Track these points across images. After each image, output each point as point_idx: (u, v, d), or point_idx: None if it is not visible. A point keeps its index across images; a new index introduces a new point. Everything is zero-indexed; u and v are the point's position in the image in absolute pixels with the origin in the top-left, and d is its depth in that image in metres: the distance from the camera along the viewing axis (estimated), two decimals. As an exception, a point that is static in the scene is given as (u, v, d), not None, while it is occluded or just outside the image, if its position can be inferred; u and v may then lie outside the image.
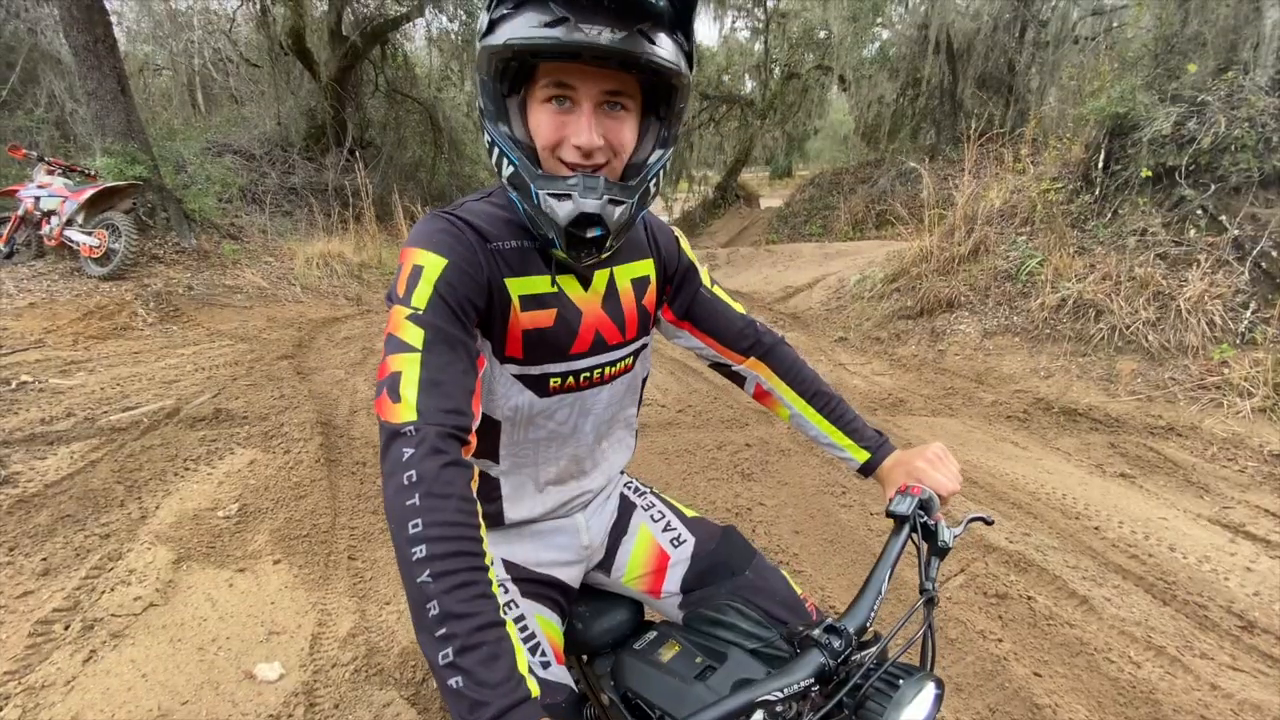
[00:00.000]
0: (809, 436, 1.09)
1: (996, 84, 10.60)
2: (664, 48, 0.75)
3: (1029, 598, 2.30)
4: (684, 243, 1.09)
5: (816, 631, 0.72)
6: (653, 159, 0.84)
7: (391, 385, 0.74)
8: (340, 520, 2.82)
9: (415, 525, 0.65)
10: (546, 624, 1.00)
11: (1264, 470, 3.09)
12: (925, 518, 0.86)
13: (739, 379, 1.13)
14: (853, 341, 5.63)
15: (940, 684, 0.67)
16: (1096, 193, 4.92)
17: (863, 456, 1.04)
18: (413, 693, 1.89)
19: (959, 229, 5.68)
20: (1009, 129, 7.93)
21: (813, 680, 0.67)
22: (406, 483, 0.67)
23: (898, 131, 12.26)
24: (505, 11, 0.74)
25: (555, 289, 0.90)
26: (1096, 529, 2.71)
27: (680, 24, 0.77)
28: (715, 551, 1.08)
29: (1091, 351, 4.32)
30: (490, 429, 0.94)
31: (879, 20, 12.46)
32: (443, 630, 0.60)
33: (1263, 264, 3.92)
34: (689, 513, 1.16)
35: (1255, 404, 3.45)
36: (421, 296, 0.78)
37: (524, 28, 0.72)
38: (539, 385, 0.93)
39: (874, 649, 0.73)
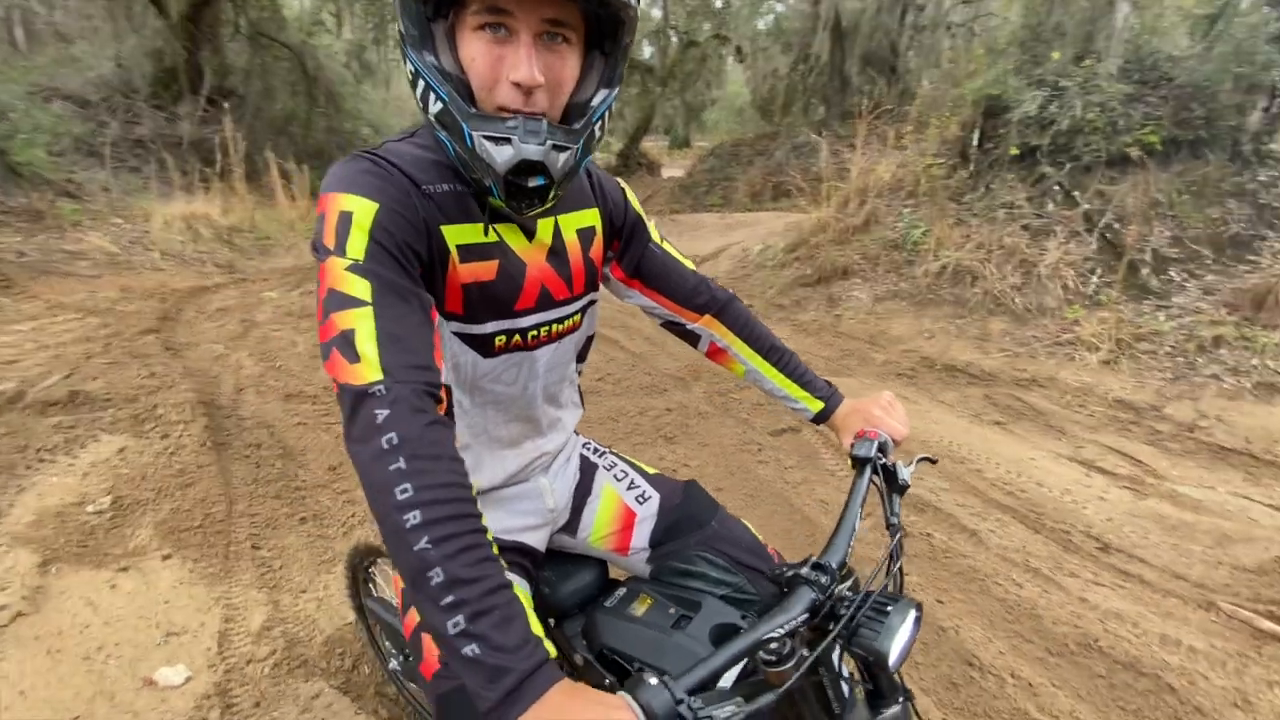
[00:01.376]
0: (764, 389, 1.11)
1: (880, 63, 11.22)
2: None
3: (928, 534, 2.53)
4: (630, 195, 1.05)
5: (804, 569, 0.74)
6: (597, 99, 0.77)
7: (344, 343, 0.66)
8: (237, 508, 2.57)
9: (404, 490, 0.59)
10: (518, 590, 0.97)
11: (1108, 414, 3.58)
12: (884, 459, 0.92)
13: (693, 337, 1.12)
14: (758, 308, 5.85)
15: (920, 607, 0.72)
16: (972, 169, 5.37)
17: (817, 406, 1.07)
18: (343, 681, 1.79)
19: (852, 201, 6.01)
20: (892, 107, 8.45)
21: (806, 615, 0.69)
22: (387, 446, 0.61)
23: (791, 105, 12.69)
24: None
25: (496, 239, 0.83)
26: (979, 471, 3.03)
27: None
28: (681, 505, 1.08)
29: (968, 314, 4.77)
30: None
31: (773, -7, 12.72)
32: (450, 598, 0.56)
33: (1107, 235, 4.48)
34: (649, 470, 1.16)
35: (1101, 357, 3.97)
36: (357, 245, 0.69)
37: None
38: (484, 345, 0.87)
39: (859, 581, 0.77)
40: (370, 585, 1.62)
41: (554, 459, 1.06)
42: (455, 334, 0.85)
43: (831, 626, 0.70)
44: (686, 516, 1.07)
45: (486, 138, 0.71)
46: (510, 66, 0.70)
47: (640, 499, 1.09)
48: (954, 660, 1.89)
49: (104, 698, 1.66)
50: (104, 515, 2.37)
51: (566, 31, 0.73)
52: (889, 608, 0.71)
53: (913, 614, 0.71)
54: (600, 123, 0.78)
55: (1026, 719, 1.69)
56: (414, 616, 0.88)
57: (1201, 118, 4.43)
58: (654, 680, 0.56)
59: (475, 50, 0.71)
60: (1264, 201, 4.32)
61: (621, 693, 0.55)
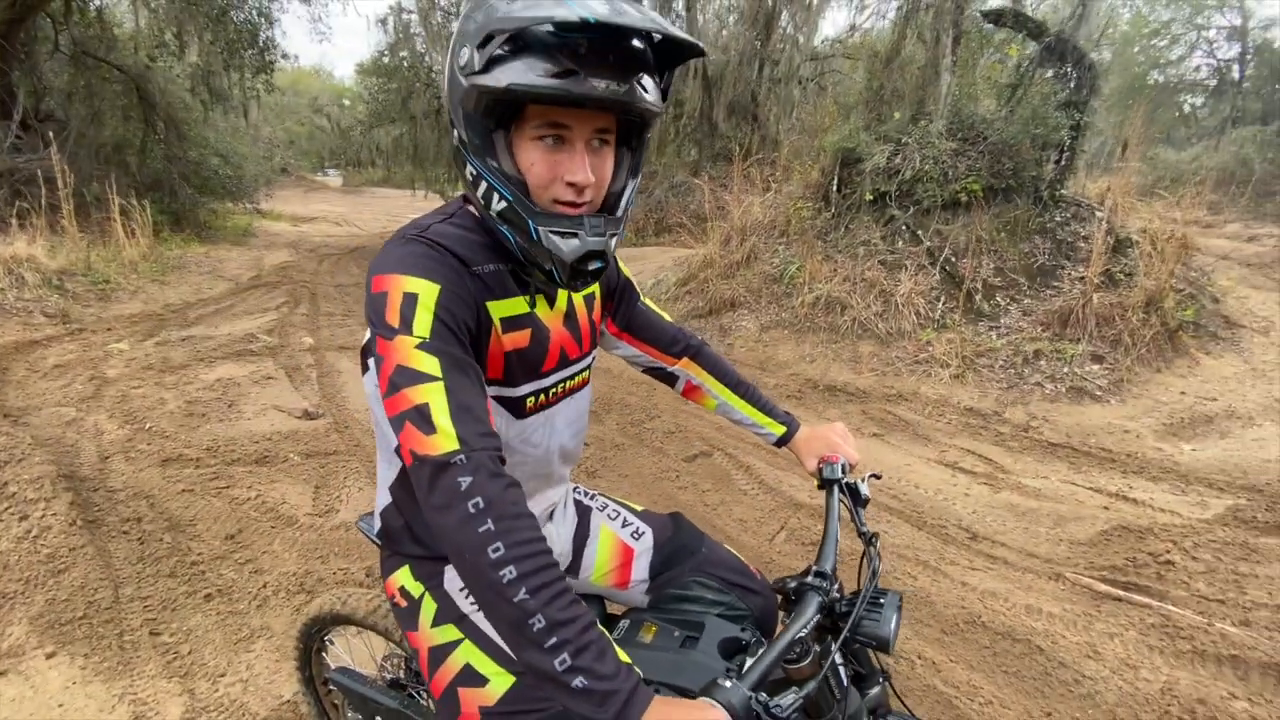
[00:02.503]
0: (732, 419, 1.26)
1: (743, 111, 12.23)
2: (651, 92, 0.80)
3: (835, 543, 2.82)
4: (620, 262, 1.18)
5: (809, 579, 0.89)
6: (628, 188, 0.89)
7: (418, 417, 0.73)
8: (125, 592, 2.31)
9: (496, 550, 0.66)
10: None
11: (962, 420, 4.17)
12: (847, 479, 1.11)
13: (671, 378, 1.27)
14: (655, 340, 6.12)
15: (901, 597, 0.90)
16: (833, 211, 6.05)
17: (780, 430, 1.23)
18: (288, 762, 1.68)
19: (734, 239, 6.51)
20: (756, 152, 9.26)
21: (819, 616, 0.84)
22: (474, 510, 0.68)
23: (666, 147, 13.42)
24: (502, 53, 0.74)
25: (529, 310, 0.94)
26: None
27: (662, 68, 0.84)
28: (674, 537, 1.20)
29: (840, 339, 5.33)
30: None
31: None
32: (553, 640, 0.64)
33: (947, 267, 5.24)
34: (636, 506, 1.27)
35: (951, 372, 4.62)
36: (424, 324, 0.77)
37: (529, 75, 0.73)
38: (517, 407, 0.96)
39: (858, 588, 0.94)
40: (324, 655, 1.56)
41: (557, 507, 1.15)
42: (494, 398, 0.93)
43: (839, 624, 0.85)
44: (680, 547, 1.19)
45: (554, 233, 0.81)
46: (568, 170, 0.81)
47: (635, 535, 1.20)
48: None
49: (-3, 828, 1.45)
50: (-41, 617, 2.04)
51: (607, 135, 0.84)
52: (882, 600, 0.87)
53: (898, 604, 0.89)
54: (630, 207, 0.91)
55: (936, 693, 1.96)
56: (447, 672, 0.93)
57: (1010, 169, 5.36)
58: (727, 682, 0.68)
59: (534, 157, 0.81)
60: (1060, 238, 5.28)
61: (701, 698, 0.66)
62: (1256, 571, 2.44)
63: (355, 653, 1.55)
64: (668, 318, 1.27)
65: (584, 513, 1.22)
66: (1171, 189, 6.14)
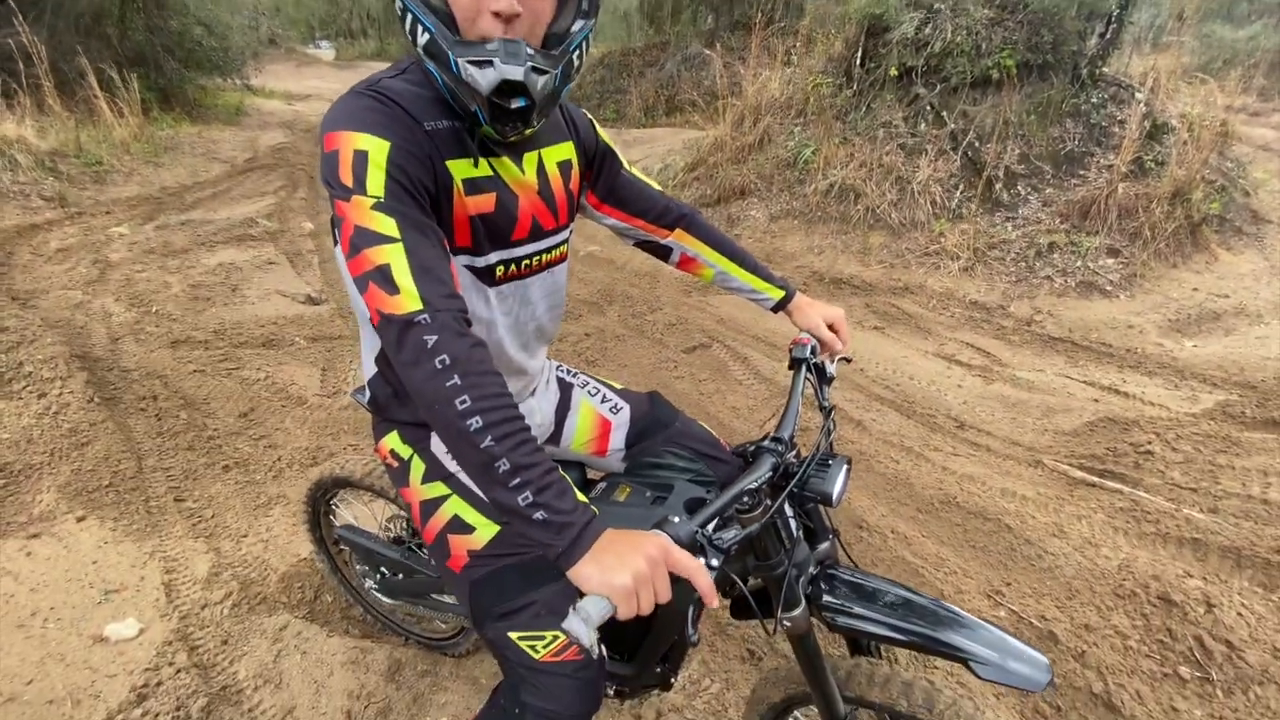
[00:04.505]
0: (730, 287, 1.26)
1: (766, -28, 11.08)
2: None
3: (824, 429, 2.91)
4: (597, 125, 1.13)
5: (766, 442, 0.96)
6: (575, 28, 0.83)
7: (380, 278, 0.73)
8: (148, 463, 2.46)
9: (463, 401, 0.69)
10: None
11: (965, 314, 4.13)
12: (815, 359, 1.14)
13: (665, 251, 1.25)
14: (660, 229, 5.98)
15: (850, 461, 0.95)
16: (855, 88, 5.64)
17: (778, 294, 1.23)
18: (307, 611, 1.87)
19: (748, 119, 6.15)
20: (779, 19, 8.49)
21: (770, 474, 0.90)
22: (440, 366, 0.70)
23: (679, 13, 12.34)
24: None
25: (491, 172, 0.90)
26: (862, 370, 3.45)
27: None
28: (649, 412, 1.26)
29: (851, 230, 5.17)
30: None
31: (657, -113, 11.99)
32: (517, 480, 0.69)
33: (969, 153, 4.96)
34: (616, 385, 1.32)
35: (961, 265, 4.52)
36: (377, 183, 0.76)
37: None
38: (486, 275, 0.96)
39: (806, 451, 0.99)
40: (332, 518, 1.68)
41: (537, 381, 1.19)
42: (464, 266, 0.93)
43: (786, 482, 0.91)
44: (654, 420, 1.24)
45: (470, 62, 0.76)
46: None
47: (613, 409, 1.25)
48: (847, 524, 2.26)
49: (54, 659, 1.64)
50: (-7, 483, 2.19)
51: None
52: (829, 462, 0.93)
53: (845, 466, 0.95)
54: (578, 51, 0.84)
55: (904, 562, 2.10)
56: (438, 522, 1.02)
57: (1050, 42, 4.90)
58: (677, 518, 0.74)
59: None
60: (1094, 121, 4.94)
61: (654, 530, 0.71)
62: (1234, 464, 2.51)
63: (360, 518, 1.66)
64: (656, 186, 1.23)
65: (565, 388, 1.26)
66: (1223, 70, 5.65)
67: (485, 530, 1.00)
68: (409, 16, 0.77)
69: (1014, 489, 2.45)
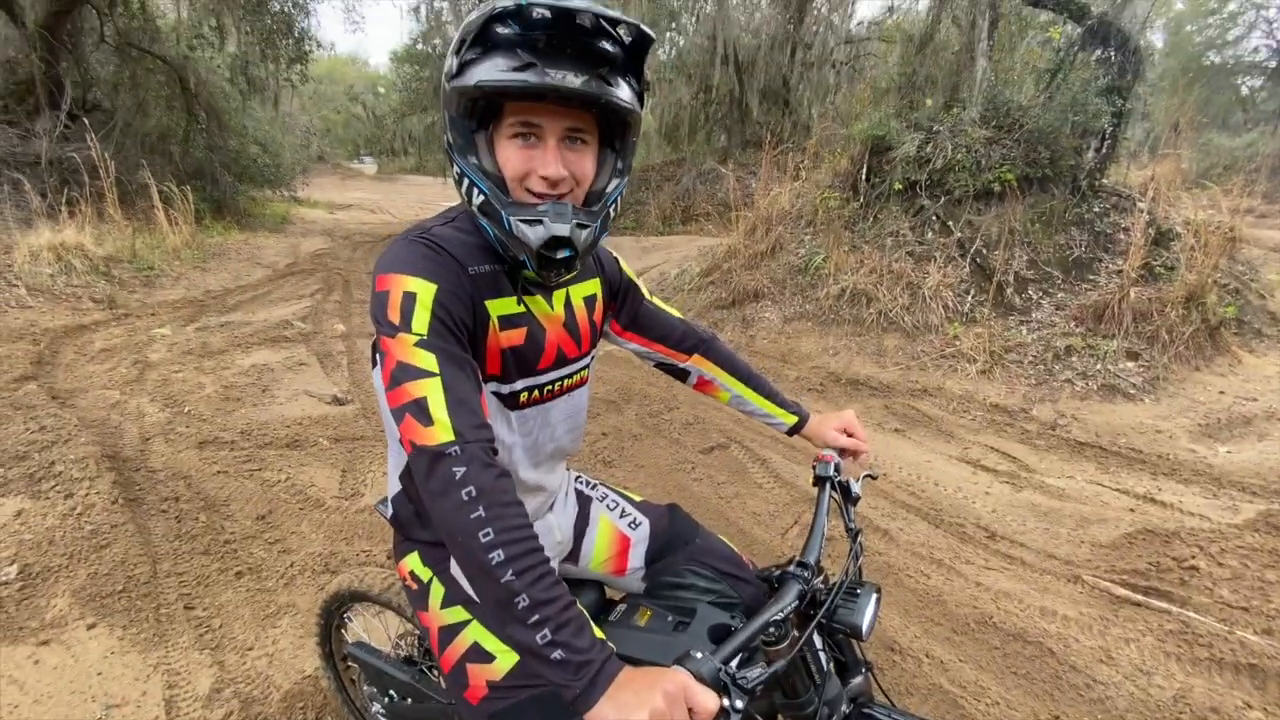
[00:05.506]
0: (745, 411, 1.31)
1: (775, 96, 12.04)
2: (620, 90, 0.85)
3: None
4: (623, 263, 1.23)
5: (791, 568, 0.94)
6: (610, 187, 0.93)
7: (418, 410, 0.78)
8: (162, 568, 2.44)
9: (487, 534, 0.71)
10: None
11: (987, 417, 4.09)
12: (839, 477, 1.13)
13: (683, 374, 1.31)
14: (677, 330, 6.12)
15: (879, 589, 0.92)
16: (862, 200, 5.94)
17: (791, 420, 1.27)
18: (308, 734, 1.77)
19: (759, 228, 6.45)
20: (788, 138, 9.10)
21: (797, 603, 0.87)
22: (466, 498, 0.73)
23: (695, 133, 13.31)
24: (474, 56, 0.81)
25: (524, 309, 0.98)
26: (885, 475, 3.38)
27: (632, 68, 0.88)
28: (669, 528, 1.25)
29: (865, 332, 5.26)
30: None
31: (673, 26, 13.34)
32: (536, 616, 0.69)
33: (978, 259, 5.12)
34: (635, 496, 1.32)
35: (978, 367, 4.52)
36: (421, 322, 0.82)
37: (494, 71, 0.80)
38: (511, 400, 1.01)
39: (836, 577, 0.96)
40: (344, 631, 1.64)
41: (556, 497, 1.19)
42: (493, 393, 0.98)
43: (813, 611, 0.88)
44: (674, 537, 1.23)
45: (523, 221, 0.86)
46: (540, 165, 0.86)
47: (632, 525, 1.24)
48: (879, 647, 2.14)
49: (44, 783, 1.57)
50: (12, 586, 2.18)
51: (584, 135, 0.89)
52: (858, 591, 0.90)
53: (875, 595, 0.92)
54: (614, 205, 0.95)
55: (941, 691, 1.96)
56: (456, 650, 0.99)
57: (1047, 158, 5.18)
58: (699, 654, 0.72)
59: (509, 153, 0.87)
60: (1099, 229, 5.10)
61: (675, 666, 0.69)
62: (1287, 580, 2.36)
63: (372, 632, 1.62)
64: (676, 314, 1.30)
65: (584, 502, 1.26)
66: (1223, 177, 5.87)
67: (505, 659, 0.98)
68: (465, 180, 0.88)
69: (1054, 608, 2.32)
